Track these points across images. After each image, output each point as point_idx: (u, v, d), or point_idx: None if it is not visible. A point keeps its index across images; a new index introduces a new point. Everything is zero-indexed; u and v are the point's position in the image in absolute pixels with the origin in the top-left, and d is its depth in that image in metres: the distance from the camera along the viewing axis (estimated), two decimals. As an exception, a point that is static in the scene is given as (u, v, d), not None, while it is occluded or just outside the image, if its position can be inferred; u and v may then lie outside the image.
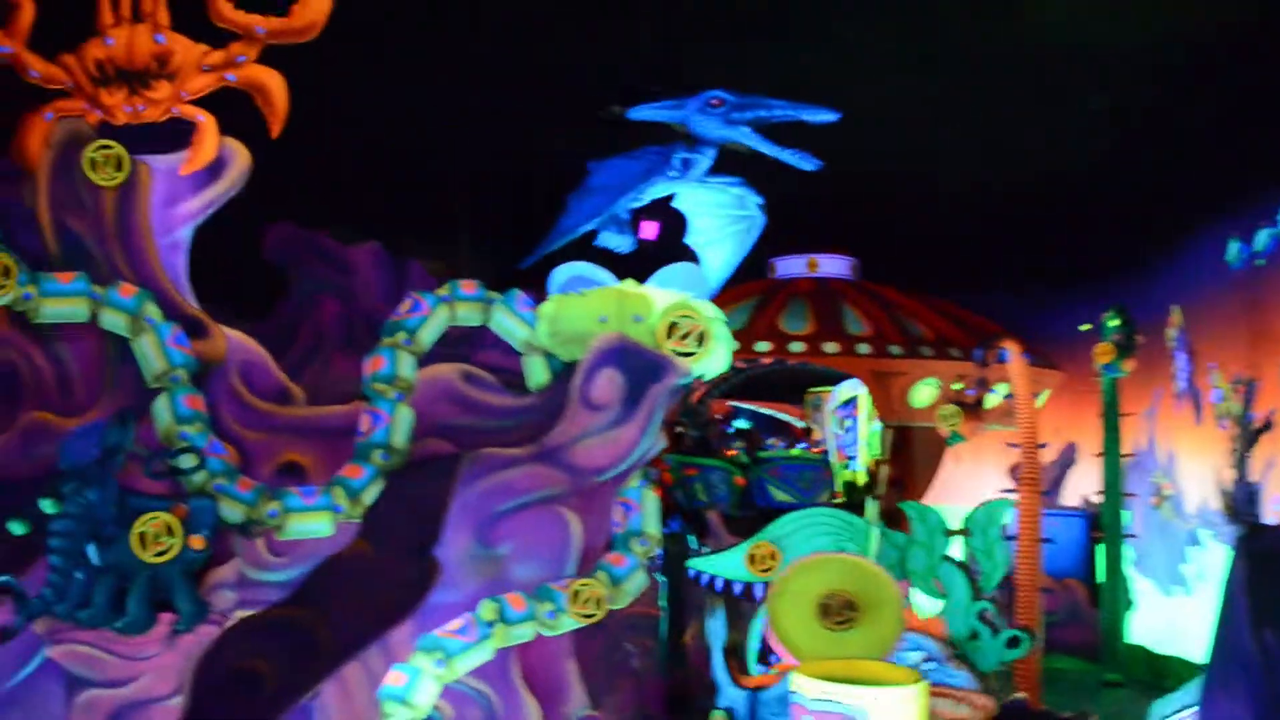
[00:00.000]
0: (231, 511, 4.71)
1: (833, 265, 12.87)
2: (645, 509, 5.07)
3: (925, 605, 6.08)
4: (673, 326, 4.80)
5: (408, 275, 6.27)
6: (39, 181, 5.01)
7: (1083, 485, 12.47)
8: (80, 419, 4.84)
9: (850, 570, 5.01)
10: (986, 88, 9.75)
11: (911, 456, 11.35)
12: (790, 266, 12.85)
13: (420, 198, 10.34)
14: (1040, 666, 8.26)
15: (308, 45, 5.22)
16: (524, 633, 4.68)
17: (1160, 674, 10.19)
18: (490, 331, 5.17)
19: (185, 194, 5.19)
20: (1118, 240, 11.55)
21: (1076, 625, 10.98)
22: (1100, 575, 11.00)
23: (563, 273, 5.05)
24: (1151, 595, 11.41)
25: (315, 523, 4.73)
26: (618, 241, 5.80)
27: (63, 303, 4.86)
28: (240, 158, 5.20)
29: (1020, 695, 6.06)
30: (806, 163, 5.40)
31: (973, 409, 8.80)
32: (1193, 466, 10.83)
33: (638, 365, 4.76)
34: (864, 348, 11.38)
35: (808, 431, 9.64)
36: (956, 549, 5.92)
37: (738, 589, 5.76)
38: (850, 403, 8.42)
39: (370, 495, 4.79)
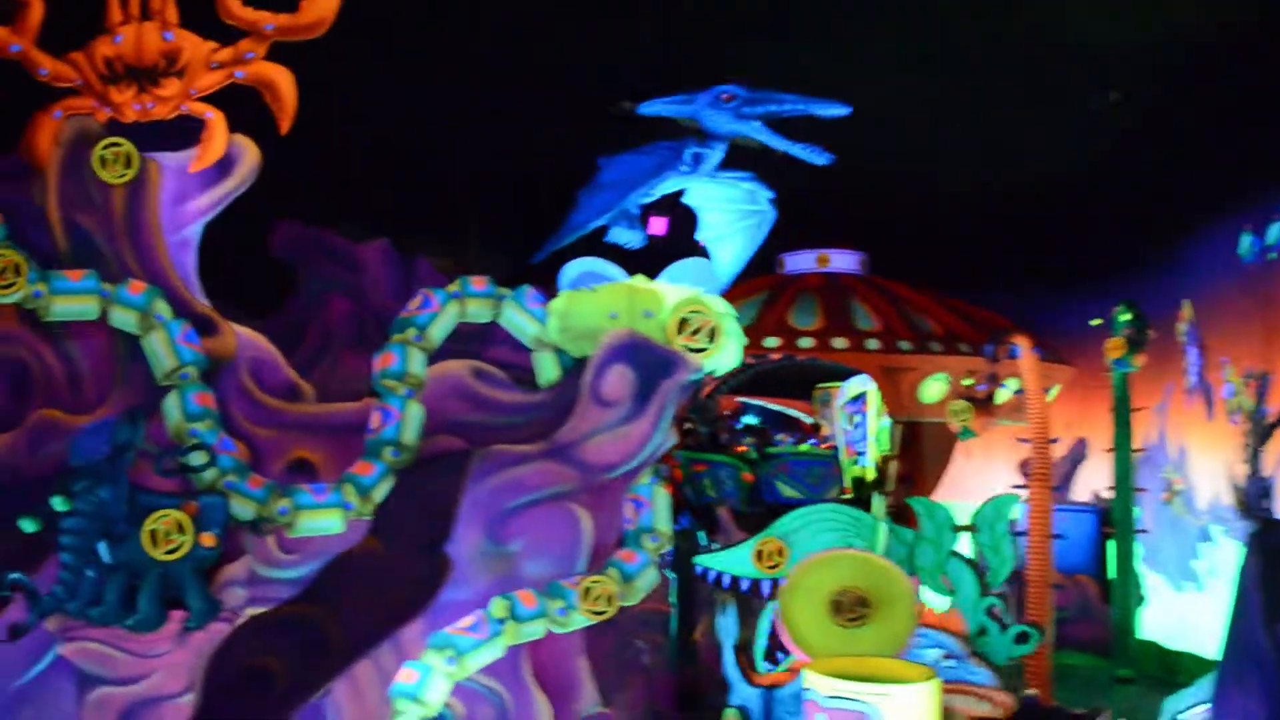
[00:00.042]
0: (242, 509, 4.71)
1: (843, 260, 12.84)
2: (656, 505, 5.06)
3: (934, 601, 6.07)
4: (684, 322, 4.78)
5: (416, 272, 6.27)
6: (48, 179, 5.01)
7: (1093, 480, 12.42)
8: (90, 416, 4.84)
9: (862, 566, 4.99)
10: (991, 87, 9.73)
11: (921, 452, 11.32)
12: (800, 262, 12.83)
13: (429, 195, 10.35)
14: (1051, 663, 8.23)
15: (316, 42, 5.21)
16: (535, 630, 4.67)
17: (1172, 670, 10.15)
18: (500, 328, 5.16)
19: (194, 191, 5.19)
20: (1128, 235, 11.50)
21: (1087, 621, 10.93)
22: (1111, 571, 10.96)
23: (573, 268, 5.04)
24: (1162, 591, 11.36)
25: (326, 520, 4.73)
26: (628, 237, 5.79)
27: (73, 300, 4.86)
28: (249, 155, 5.20)
29: (1031, 692, 6.05)
30: (818, 157, 5.38)
31: (983, 404, 8.76)
32: (1204, 462, 10.78)
33: (649, 361, 4.74)
34: (873, 343, 11.36)
35: (816, 427, 9.60)
36: (966, 545, 5.90)
37: (745, 585, 5.74)
38: (859, 398, 8.37)
39: (381, 492, 4.78)
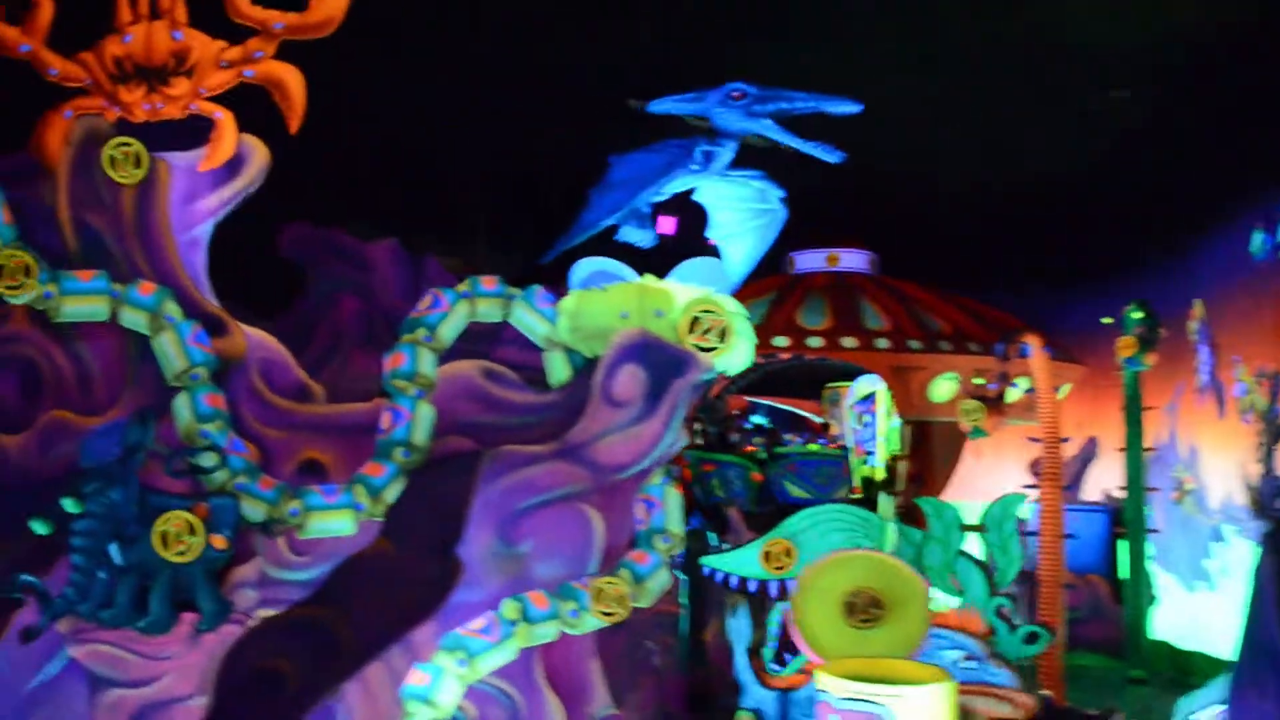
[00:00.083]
0: (253, 510, 4.70)
1: (852, 260, 12.82)
2: (668, 506, 5.04)
3: (942, 601, 6.04)
4: (695, 321, 4.76)
5: (425, 272, 6.25)
6: (58, 179, 5.00)
7: (1104, 480, 12.37)
8: (101, 418, 4.83)
9: (876, 567, 4.95)
10: (997, 87, 9.72)
11: (931, 452, 11.29)
12: (809, 261, 12.81)
13: (438, 194, 10.33)
14: (1063, 663, 8.19)
15: (325, 41, 5.19)
16: (547, 632, 4.65)
17: (1185, 670, 10.10)
18: (509, 328, 5.14)
19: (204, 191, 5.17)
20: (1139, 233, 11.46)
21: (1099, 621, 10.88)
22: (1123, 571, 10.91)
23: (583, 268, 5.01)
24: (1173, 591, 11.31)
25: (337, 521, 4.72)
26: (639, 236, 5.76)
27: (83, 301, 4.86)
28: (258, 154, 5.18)
29: (1044, 693, 6.01)
30: (830, 155, 5.34)
31: (994, 403, 8.72)
32: (1216, 461, 10.72)
33: (660, 361, 4.72)
34: (883, 342, 11.33)
35: (825, 427, 9.57)
36: (976, 546, 5.86)
37: (753, 586, 5.71)
38: (868, 398, 8.34)
39: (392, 493, 4.77)
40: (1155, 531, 10.80)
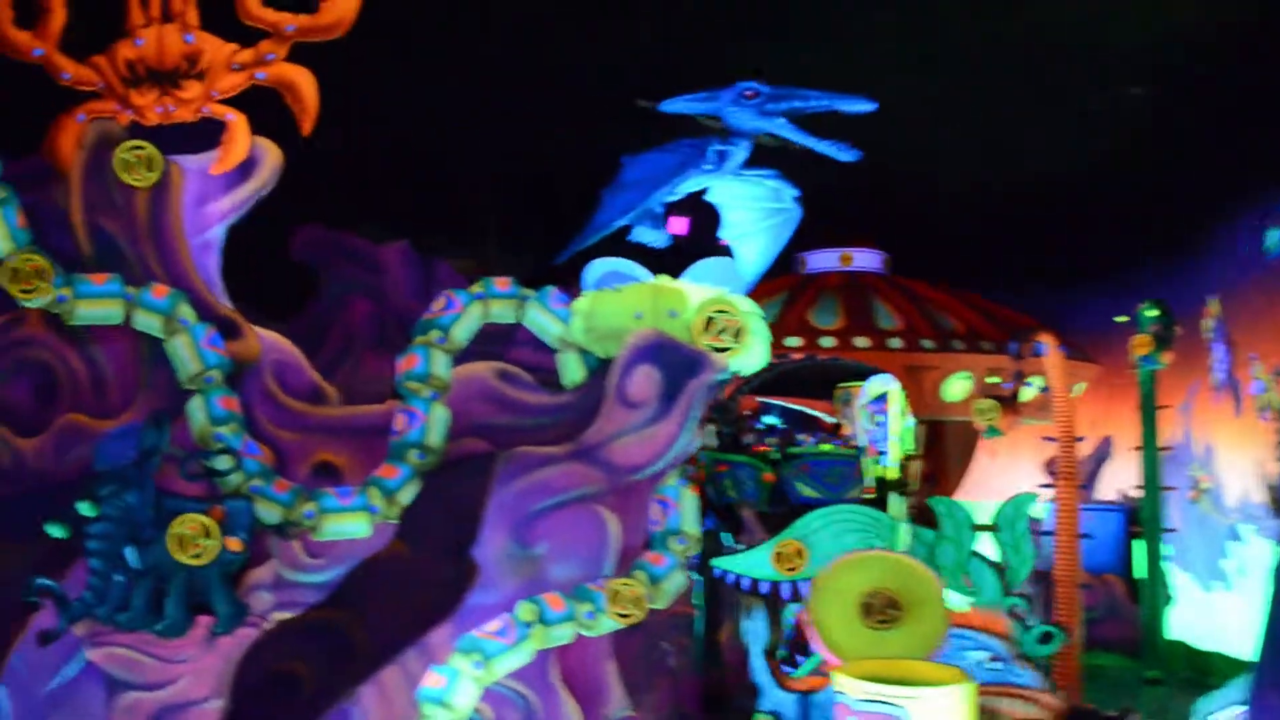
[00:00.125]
0: (268, 513, 4.69)
1: (865, 259, 12.80)
2: (683, 507, 5.01)
3: (956, 602, 6.00)
4: (709, 321, 4.74)
5: (436, 274, 6.24)
6: (72, 183, 5.01)
7: (1119, 479, 12.31)
8: (116, 421, 4.83)
9: (893, 568, 4.91)
10: (1011, 87, 9.69)
11: (944, 451, 11.24)
12: (822, 260, 12.79)
13: (450, 196, 10.33)
14: (1080, 663, 8.14)
15: (336, 43, 5.19)
16: (563, 634, 4.63)
17: (1202, 670, 10.02)
18: (522, 329, 5.12)
19: (217, 193, 5.18)
20: (1153, 231, 11.39)
21: (1115, 621, 10.81)
22: (1139, 570, 10.84)
23: (597, 268, 4.99)
24: (1190, 590, 11.24)
25: (352, 524, 4.71)
26: (652, 236, 5.74)
27: (97, 304, 4.86)
28: (271, 156, 5.18)
29: (1060, 693, 5.96)
30: (844, 153, 5.32)
31: (1009, 402, 8.68)
32: (1232, 459, 10.64)
33: (675, 361, 4.70)
34: (895, 342, 11.30)
35: (838, 427, 9.54)
36: (990, 546, 5.83)
37: (764, 588, 5.68)
38: (881, 398, 8.31)
39: (406, 495, 4.76)
40: (1171, 531, 10.73)
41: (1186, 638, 10.88)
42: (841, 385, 9.38)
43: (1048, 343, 8.58)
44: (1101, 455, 12.86)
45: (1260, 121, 9.06)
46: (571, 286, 5.06)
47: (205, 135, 5.13)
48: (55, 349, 4.92)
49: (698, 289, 4.83)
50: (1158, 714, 8.74)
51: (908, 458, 8.18)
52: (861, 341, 11.28)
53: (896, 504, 7.04)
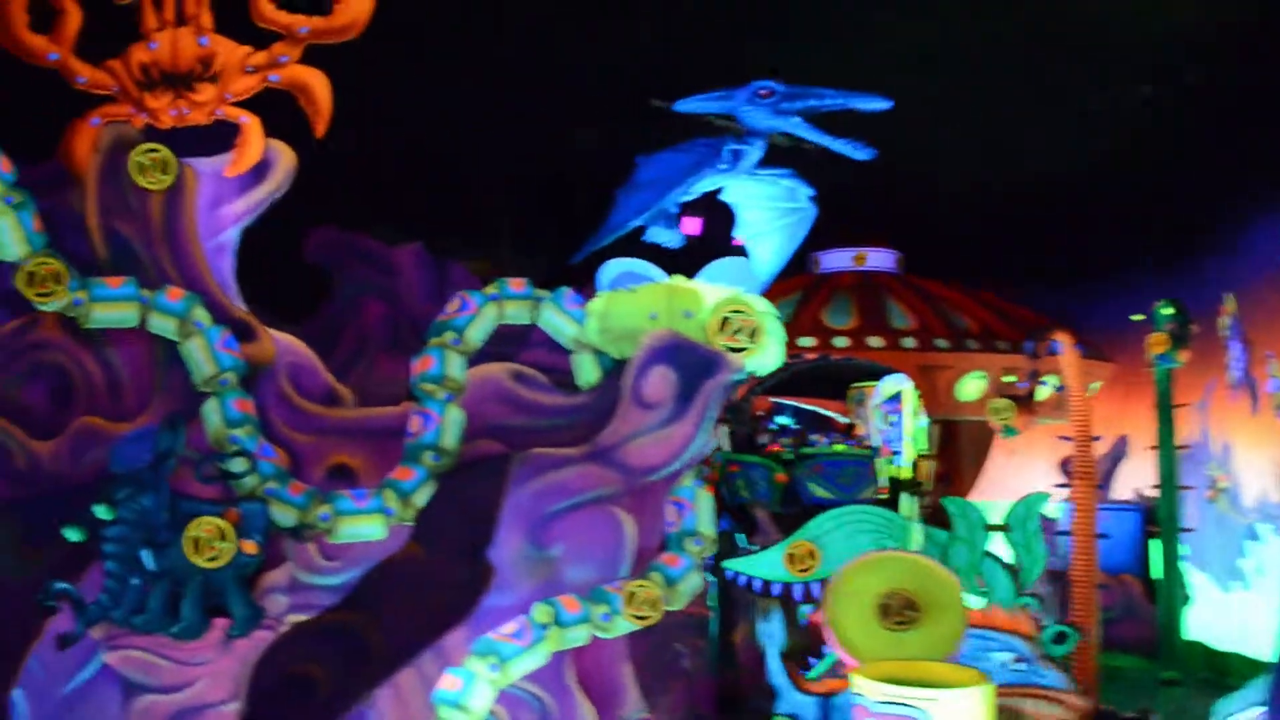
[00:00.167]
0: (283, 515, 4.69)
1: (879, 259, 12.76)
2: (699, 508, 4.99)
3: (976, 603, 5.97)
4: (725, 322, 4.71)
5: (449, 275, 6.23)
6: (87, 186, 5.02)
7: (1135, 478, 12.22)
8: (131, 424, 4.84)
9: (910, 568, 4.88)
10: (1023, 85, 9.63)
11: (958, 451, 11.19)
12: (835, 260, 12.76)
13: (463, 197, 10.32)
14: (1097, 664, 8.08)
15: (349, 45, 5.19)
16: (579, 635, 4.61)
17: (1221, 671, 9.94)
18: (535, 330, 5.11)
19: (231, 196, 5.18)
20: (1169, 230, 11.32)
21: (1131, 622, 10.73)
22: (1156, 570, 10.76)
23: (612, 269, 4.98)
24: (1208, 590, 11.15)
25: (367, 526, 4.70)
26: (667, 236, 5.72)
27: (112, 307, 4.87)
28: (285, 159, 5.18)
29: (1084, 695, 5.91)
30: (860, 152, 5.29)
31: (1024, 402, 8.63)
32: (1250, 458, 10.55)
33: (690, 362, 4.68)
34: (909, 341, 11.25)
35: (851, 427, 9.51)
36: (1003, 546, 5.80)
37: (776, 589, 5.65)
38: (895, 397, 8.27)
39: (422, 497, 4.75)
40: (1189, 530, 10.65)
41: (1205, 638, 10.80)
42: (855, 385, 9.34)
43: (1063, 341, 8.52)
44: (1118, 454, 12.77)
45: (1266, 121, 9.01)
46: (586, 287, 5.05)
47: (219, 138, 5.13)
48: (71, 352, 4.93)
49: (713, 289, 4.81)
50: (1176, 715, 8.66)
51: (921, 458, 8.14)
52: (875, 341, 11.24)
53: (908, 504, 6.99)
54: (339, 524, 4.69)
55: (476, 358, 5.04)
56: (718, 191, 5.76)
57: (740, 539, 7.32)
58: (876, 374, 8.71)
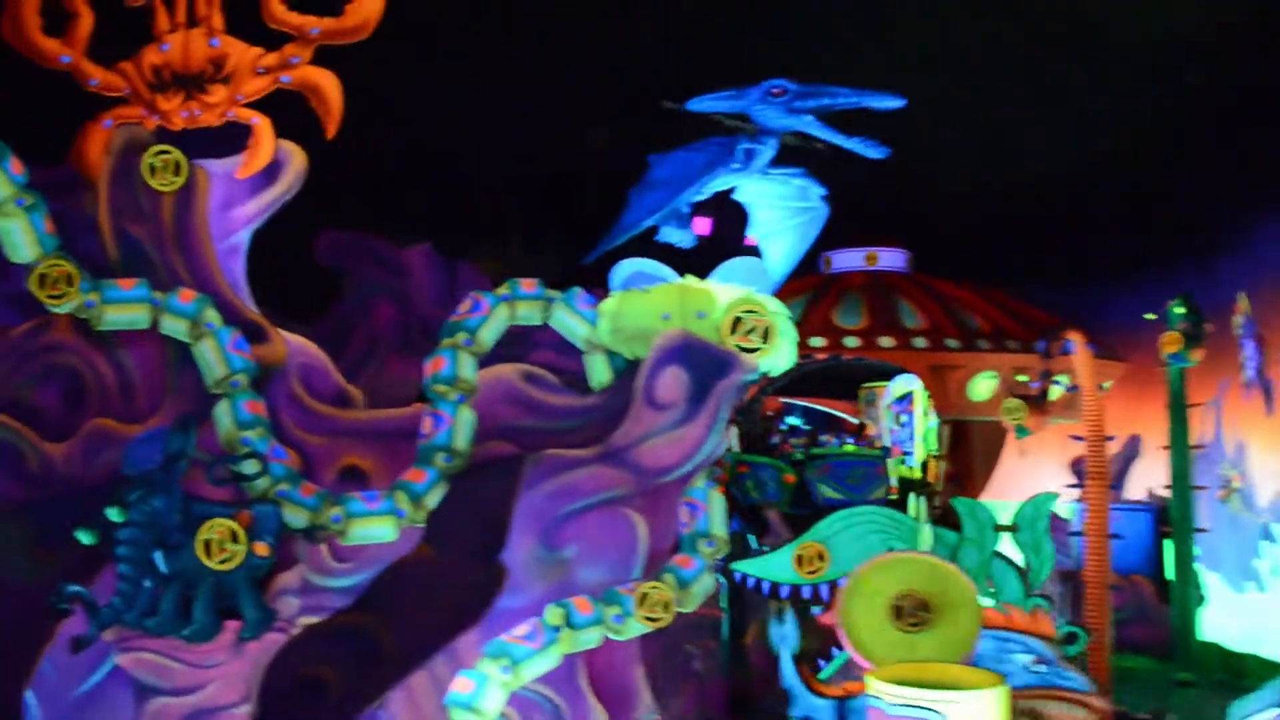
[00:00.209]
0: (295, 517, 4.68)
1: (890, 259, 12.73)
2: (711, 510, 4.96)
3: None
4: (737, 322, 4.69)
5: (458, 276, 6.24)
6: (99, 188, 5.02)
7: (1148, 479, 12.16)
8: (143, 425, 4.84)
9: (924, 570, 4.84)
10: (1036, 84, 9.60)
11: (970, 451, 11.15)
12: (847, 260, 12.74)
13: (473, 198, 10.32)
14: (1110, 665, 8.03)
15: (360, 46, 5.18)
16: (591, 637, 4.59)
17: (1236, 673, 9.88)
18: (545, 331, 5.09)
19: (242, 197, 5.18)
20: (1181, 228, 11.26)
21: (1144, 623, 10.68)
22: (1169, 571, 10.70)
23: (624, 269, 4.96)
24: (1221, 591, 11.08)
25: (379, 528, 4.69)
26: (679, 236, 5.71)
27: (124, 309, 4.87)
28: (296, 160, 5.18)
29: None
30: (873, 150, 5.26)
31: (1037, 402, 8.58)
32: (1264, 458, 10.49)
33: (703, 362, 4.65)
34: (920, 341, 11.22)
35: (862, 427, 9.47)
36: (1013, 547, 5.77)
37: (784, 591, 5.61)
38: (905, 398, 8.23)
39: (433, 499, 4.73)
40: (1202, 531, 10.59)
41: (1219, 639, 10.74)
42: (866, 385, 9.31)
43: (1076, 341, 8.47)
44: (1130, 454, 12.71)
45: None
46: (598, 287, 5.03)
47: (231, 139, 5.13)
48: (83, 354, 4.93)
49: (726, 289, 4.79)
50: (1191, 717, 8.61)
51: (931, 458, 8.11)
52: (886, 341, 11.20)
53: (916, 505, 6.96)
54: (350, 526, 4.68)
55: (487, 359, 5.03)
56: (730, 191, 5.74)
57: (751, 540, 7.29)
58: (887, 374, 8.67)
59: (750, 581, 5.69)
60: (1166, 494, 10.69)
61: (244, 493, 4.69)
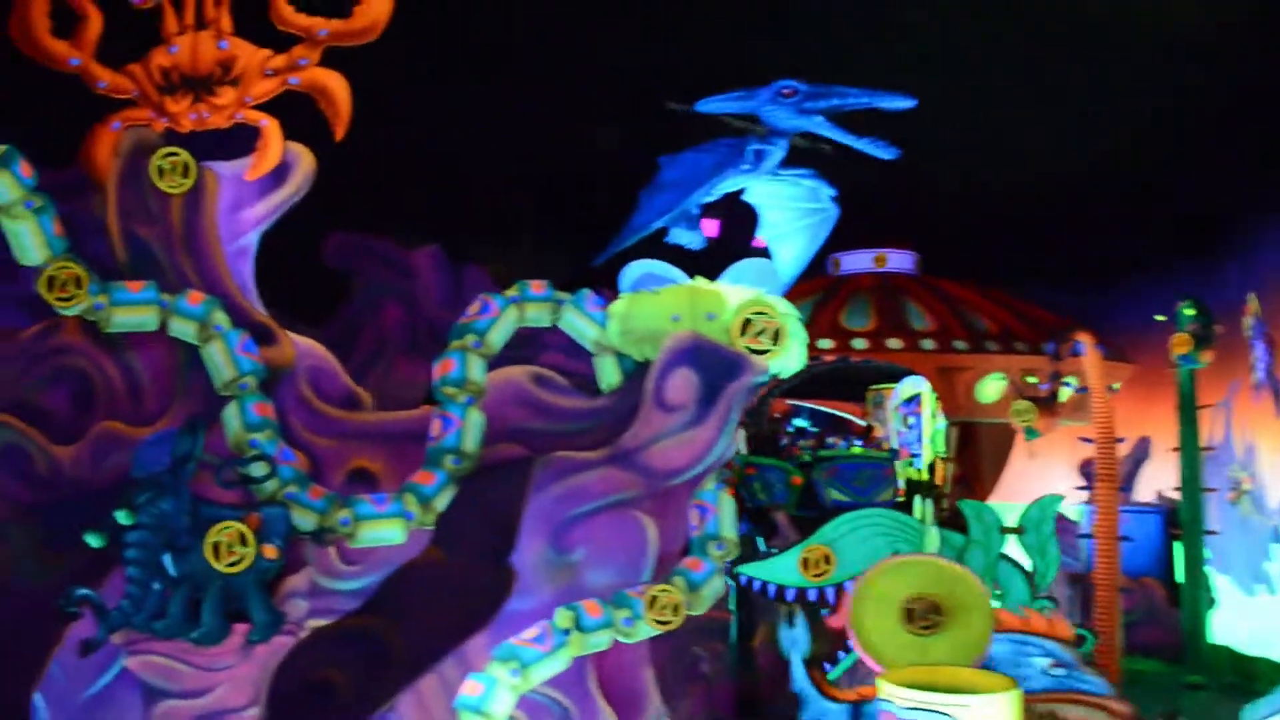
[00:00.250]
0: (303, 520, 4.67)
1: (899, 260, 12.72)
2: (721, 512, 4.95)
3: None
4: (747, 323, 4.67)
5: (466, 278, 6.23)
6: (108, 191, 5.02)
7: (1158, 481, 12.11)
8: (151, 428, 4.83)
9: (935, 572, 4.82)
10: (1041, 85, 9.57)
11: (978, 453, 11.12)
12: (855, 262, 12.73)
13: (485, 199, 10.33)
14: (1119, 668, 8.00)
15: (369, 47, 5.17)
16: (601, 640, 4.57)
17: (1247, 676, 9.83)
18: (554, 333, 5.08)
19: (251, 199, 5.17)
20: (1190, 229, 11.23)
21: (1154, 625, 10.64)
22: (1179, 573, 10.66)
23: (634, 270, 4.94)
24: (1231, 594, 11.03)
25: (387, 530, 4.67)
26: (689, 238, 5.69)
27: (133, 311, 4.86)
28: (304, 162, 5.17)
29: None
30: (884, 151, 5.24)
31: (1046, 403, 8.56)
32: (1274, 460, 10.44)
33: (713, 364, 4.64)
34: (928, 343, 11.19)
35: (869, 429, 9.45)
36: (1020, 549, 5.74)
37: (790, 594, 5.59)
38: (913, 399, 8.22)
39: (442, 501, 4.72)
40: (1212, 533, 10.54)
41: (1230, 642, 10.69)
42: (873, 387, 9.29)
43: (1085, 342, 8.45)
44: (1140, 456, 12.66)
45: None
46: (608, 289, 5.01)
47: (239, 141, 5.12)
48: (92, 356, 4.93)
49: (735, 290, 4.77)
50: (1201, 720, 8.58)
51: (939, 460, 8.08)
52: (894, 343, 11.19)
53: (923, 507, 6.94)
54: (359, 528, 4.66)
55: (496, 361, 5.02)
56: (740, 192, 5.72)
57: (760, 542, 7.28)
58: (895, 376, 8.66)
59: (756, 585, 5.66)
60: (1176, 496, 10.65)
61: (252, 495, 4.68)
